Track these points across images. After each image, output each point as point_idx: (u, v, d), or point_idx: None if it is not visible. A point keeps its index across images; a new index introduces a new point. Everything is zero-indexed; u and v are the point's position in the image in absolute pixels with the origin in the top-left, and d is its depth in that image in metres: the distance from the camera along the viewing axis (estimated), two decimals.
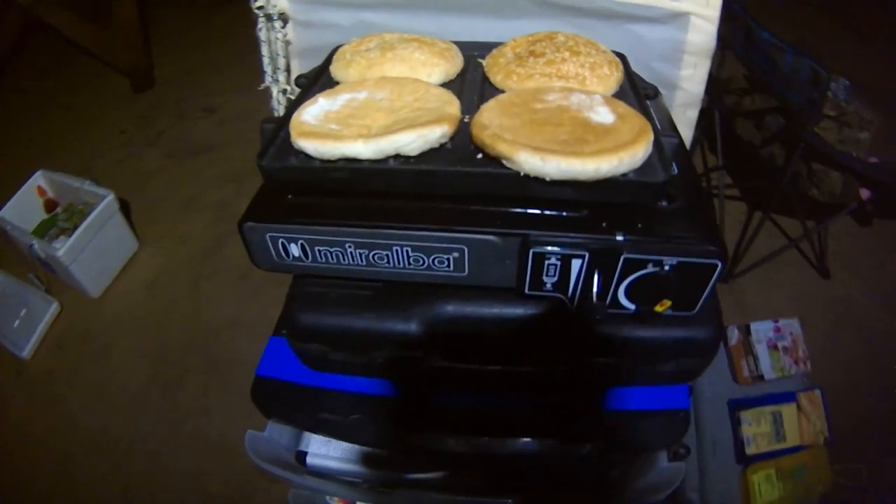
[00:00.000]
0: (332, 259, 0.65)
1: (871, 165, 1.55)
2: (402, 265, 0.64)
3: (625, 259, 0.61)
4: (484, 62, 0.82)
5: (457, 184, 0.59)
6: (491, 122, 0.62)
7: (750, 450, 1.35)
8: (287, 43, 1.06)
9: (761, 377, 1.42)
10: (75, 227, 1.93)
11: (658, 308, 0.66)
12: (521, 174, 0.57)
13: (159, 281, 2.09)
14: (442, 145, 0.62)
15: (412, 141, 0.59)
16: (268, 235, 0.65)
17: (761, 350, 1.44)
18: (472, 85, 0.78)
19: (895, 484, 1.51)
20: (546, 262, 0.61)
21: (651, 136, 0.61)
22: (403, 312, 0.71)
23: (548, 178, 0.57)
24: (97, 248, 1.97)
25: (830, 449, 1.39)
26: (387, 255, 0.64)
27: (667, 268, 0.62)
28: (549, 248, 0.60)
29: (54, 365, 1.87)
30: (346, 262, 0.65)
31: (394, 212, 0.62)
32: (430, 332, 0.70)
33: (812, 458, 1.36)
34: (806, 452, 1.37)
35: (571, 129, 0.62)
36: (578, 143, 0.59)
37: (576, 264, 0.61)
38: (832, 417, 1.39)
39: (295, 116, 0.66)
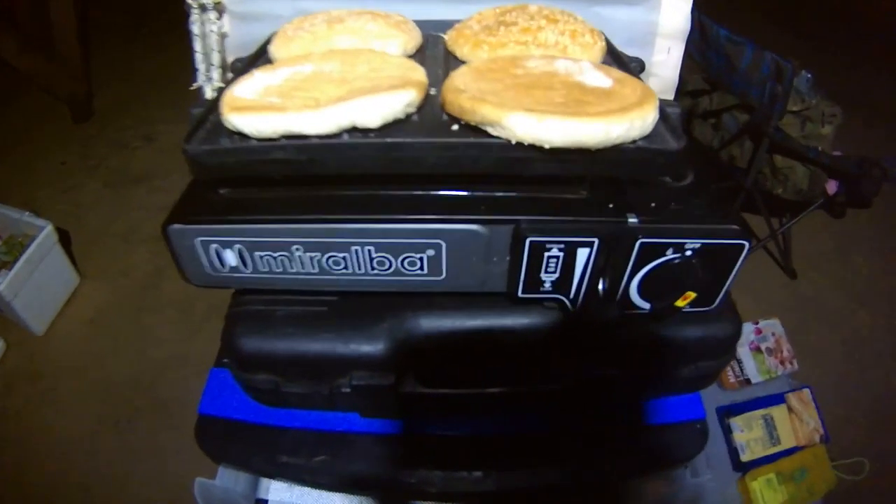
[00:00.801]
0: (277, 267, 0.50)
1: (840, 158, 1.48)
2: (363, 270, 0.50)
3: (641, 245, 0.48)
4: (446, 36, 0.69)
5: (430, 160, 0.45)
6: (467, 86, 0.48)
7: (745, 457, 1.23)
8: (223, 36, 0.90)
9: (748, 381, 1.32)
10: (15, 261, 1.78)
11: (680, 303, 0.52)
12: (513, 143, 0.43)
13: (102, 316, 1.91)
14: (408, 116, 0.48)
15: (372, 109, 0.45)
16: (198, 240, 0.50)
17: (744, 353, 1.34)
18: (434, 61, 0.64)
19: None
20: (546, 254, 0.47)
21: (657, 100, 0.49)
22: (368, 330, 0.55)
23: (547, 146, 0.43)
24: (38, 282, 1.82)
25: (828, 446, 1.28)
26: (344, 259, 0.49)
27: (689, 253, 0.49)
28: (550, 236, 0.46)
29: (5, 406, 1.71)
30: (295, 270, 0.50)
31: (350, 202, 0.48)
32: (403, 354, 0.55)
33: (811, 457, 1.26)
34: (804, 452, 1.26)
35: (566, 92, 0.49)
36: (579, 105, 0.46)
37: (582, 256, 0.48)
38: (824, 414, 1.29)
39: (227, 92, 0.51)
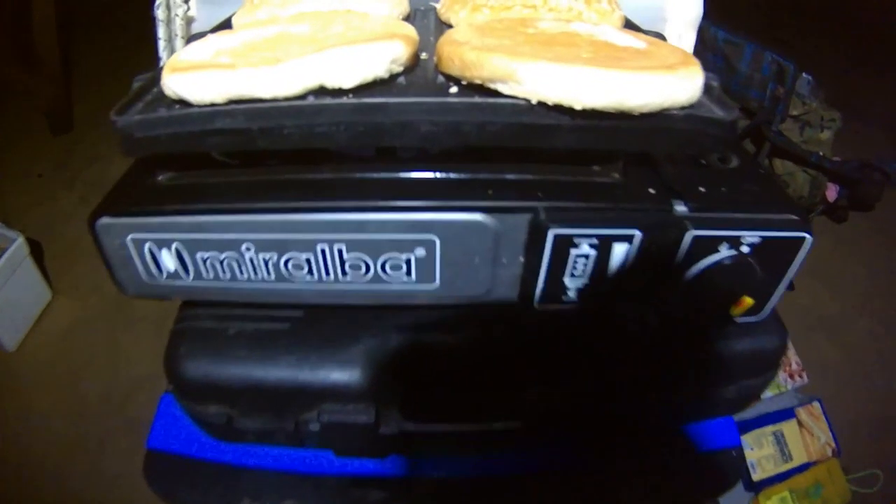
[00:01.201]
0: (224, 273, 0.38)
1: (841, 163, 1.38)
2: (332, 276, 0.37)
3: (692, 239, 0.36)
4: (439, 4, 0.57)
5: (420, 128, 0.32)
6: (469, 40, 0.36)
7: (757, 475, 1.12)
8: (189, 21, 0.78)
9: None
10: None
11: (735, 310, 0.40)
12: (532, 103, 0.31)
13: (74, 333, 1.78)
14: (393, 77, 0.35)
15: (346, 64, 0.33)
16: (129, 238, 0.38)
17: None
18: (425, 31, 0.52)
19: None
20: (573, 252, 0.35)
21: (700, 64, 0.37)
22: (339, 354, 0.42)
23: (577, 107, 0.31)
24: (9, 296, 1.71)
25: (840, 459, 1.17)
26: (307, 262, 0.36)
27: (746, 249, 0.38)
28: (580, 228, 0.34)
29: None
30: (246, 276, 0.37)
31: (314, 186, 0.36)
32: (385, 383, 0.42)
33: (825, 472, 1.15)
34: (817, 468, 1.15)
35: (594, 49, 0.37)
36: (614, 61, 0.34)
37: (618, 253, 0.35)
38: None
39: (172, 57, 0.39)
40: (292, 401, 0.42)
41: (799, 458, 1.15)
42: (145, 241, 0.38)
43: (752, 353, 0.48)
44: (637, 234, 0.34)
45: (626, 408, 0.47)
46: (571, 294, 0.37)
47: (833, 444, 1.19)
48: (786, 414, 1.18)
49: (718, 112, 0.36)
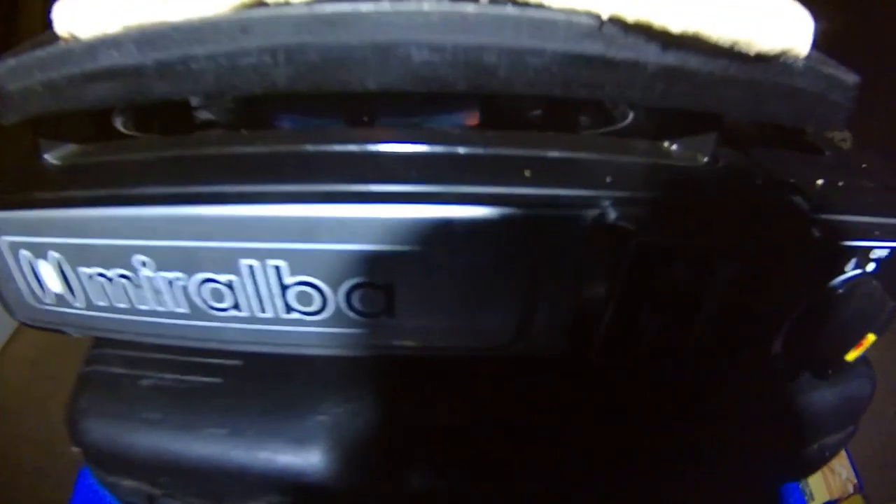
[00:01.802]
0: (119, 299, 0.24)
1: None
2: (270, 312, 0.23)
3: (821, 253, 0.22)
4: None
5: (413, 58, 0.18)
6: None
7: None
8: None
9: None
10: None
11: (852, 354, 0.27)
12: (602, 20, 0.17)
13: (42, 359, 1.64)
14: None
15: None
16: (5, 241, 0.25)
17: None
18: None
19: None
20: (662, 271, 0.21)
21: None
22: (291, 426, 0.27)
23: (675, 29, 0.17)
24: None
25: (863, 494, 1.05)
26: (230, 287, 0.22)
27: (872, 267, 0.25)
28: (674, 236, 0.20)
29: None
30: (148, 306, 0.23)
31: (234, 163, 0.22)
32: (358, 468, 0.27)
33: None
34: None
35: None
36: None
37: (723, 274, 0.22)
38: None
39: None
40: (226, 486, 0.27)
41: (821, 498, 1.02)
42: (20, 246, 0.24)
43: (843, 404, 0.35)
44: (752, 245, 0.21)
45: (699, 481, 0.33)
46: (649, 340, 0.23)
47: (854, 480, 1.05)
48: None
49: (839, 72, 0.23)
